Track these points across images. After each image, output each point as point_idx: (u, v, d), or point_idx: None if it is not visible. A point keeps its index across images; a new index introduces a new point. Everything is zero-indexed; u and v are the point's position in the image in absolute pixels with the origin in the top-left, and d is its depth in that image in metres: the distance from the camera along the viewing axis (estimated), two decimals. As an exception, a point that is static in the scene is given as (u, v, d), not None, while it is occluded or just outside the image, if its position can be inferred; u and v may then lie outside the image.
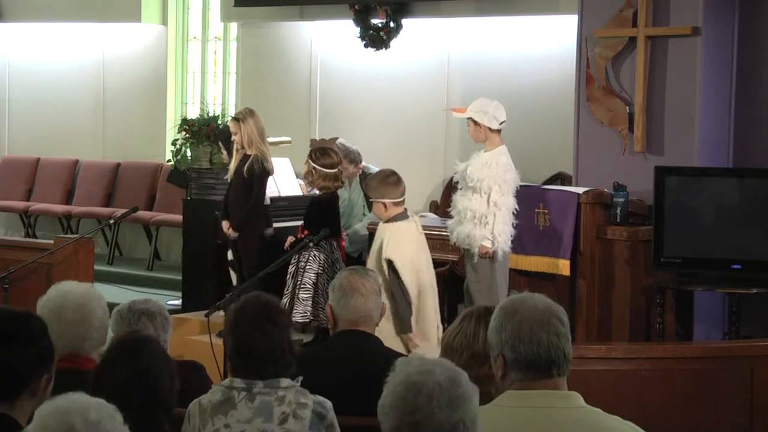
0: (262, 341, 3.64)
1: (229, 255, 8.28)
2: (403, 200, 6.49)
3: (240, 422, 3.59)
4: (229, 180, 8.05)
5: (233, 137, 7.91)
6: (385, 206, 6.40)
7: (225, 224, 7.93)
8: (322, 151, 7.71)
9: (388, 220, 6.42)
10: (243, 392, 3.62)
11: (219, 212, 8.25)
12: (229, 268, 8.33)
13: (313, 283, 7.45)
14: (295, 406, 3.63)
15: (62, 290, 4.11)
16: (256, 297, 3.79)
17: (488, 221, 6.93)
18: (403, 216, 6.44)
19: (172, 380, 3.42)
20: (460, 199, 7.11)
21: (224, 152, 8.34)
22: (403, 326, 6.26)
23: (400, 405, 2.61)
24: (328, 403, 3.71)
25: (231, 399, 3.62)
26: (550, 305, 3.00)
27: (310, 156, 7.70)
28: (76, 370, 3.76)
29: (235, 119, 7.92)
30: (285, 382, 3.67)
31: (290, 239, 7.76)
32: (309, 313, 7.44)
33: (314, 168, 7.59)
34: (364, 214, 9.20)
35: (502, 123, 7.08)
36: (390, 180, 6.46)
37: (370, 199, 6.51)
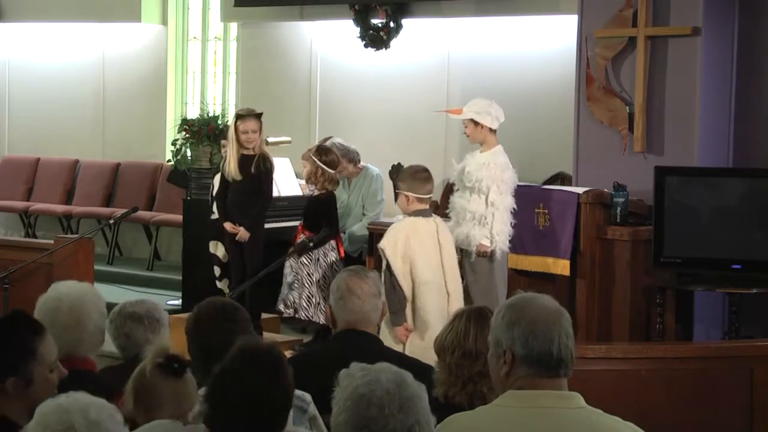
0: (227, 341, 3.59)
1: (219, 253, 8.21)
2: (429, 198, 6.58)
3: None
4: (230, 180, 7.91)
5: (252, 134, 7.73)
6: (408, 199, 6.47)
7: (229, 226, 7.83)
8: (324, 150, 7.73)
9: (410, 215, 6.47)
10: None
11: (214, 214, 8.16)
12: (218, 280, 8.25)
13: (313, 281, 7.53)
14: None
15: (59, 292, 4.09)
16: (208, 302, 3.78)
17: (487, 221, 6.93)
18: (424, 213, 6.52)
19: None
20: (457, 201, 7.10)
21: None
22: (393, 318, 6.27)
23: (354, 420, 2.59)
24: (308, 396, 3.69)
25: None
26: (559, 306, 3.02)
27: (315, 154, 7.68)
28: (74, 371, 3.75)
29: (257, 116, 7.79)
30: None
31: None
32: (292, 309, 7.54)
33: (320, 167, 7.60)
34: (363, 215, 9.20)
35: (500, 123, 7.11)
36: (419, 176, 6.54)
37: (397, 190, 6.59)
